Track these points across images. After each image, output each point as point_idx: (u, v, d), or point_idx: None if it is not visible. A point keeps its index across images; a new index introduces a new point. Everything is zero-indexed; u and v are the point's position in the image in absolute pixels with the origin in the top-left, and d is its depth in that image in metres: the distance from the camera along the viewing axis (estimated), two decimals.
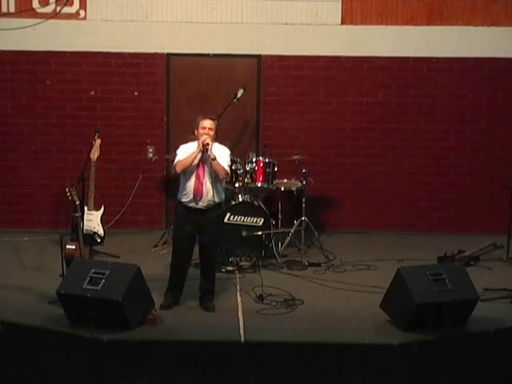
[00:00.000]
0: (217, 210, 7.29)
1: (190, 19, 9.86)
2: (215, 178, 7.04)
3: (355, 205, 10.17)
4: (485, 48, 9.95)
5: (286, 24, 9.90)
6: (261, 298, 7.38)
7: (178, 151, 7.23)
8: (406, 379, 6.16)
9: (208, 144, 6.96)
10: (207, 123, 7.05)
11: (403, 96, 10.07)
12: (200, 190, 7.03)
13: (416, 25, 9.93)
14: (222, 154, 7.16)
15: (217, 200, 7.08)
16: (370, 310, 7.07)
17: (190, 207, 7.07)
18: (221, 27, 9.87)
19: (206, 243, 7.19)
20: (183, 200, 7.11)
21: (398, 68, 10.02)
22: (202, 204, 7.06)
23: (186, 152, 7.11)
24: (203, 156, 7.03)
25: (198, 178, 7.04)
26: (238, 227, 8.67)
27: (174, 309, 7.11)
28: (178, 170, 7.05)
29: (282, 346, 6.34)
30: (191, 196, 7.05)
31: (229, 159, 7.25)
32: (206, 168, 7.05)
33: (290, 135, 10.02)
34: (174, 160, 7.26)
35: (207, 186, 7.04)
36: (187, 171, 7.06)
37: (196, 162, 7.04)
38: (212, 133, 7.06)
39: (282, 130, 10.05)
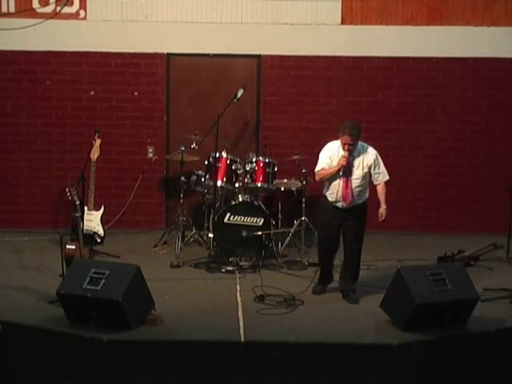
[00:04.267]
0: (363, 206, 7.61)
1: (190, 19, 9.86)
2: (361, 182, 7.47)
3: None
4: (485, 48, 9.95)
5: (285, 24, 9.89)
6: (261, 298, 7.38)
7: (321, 154, 7.55)
8: (406, 379, 6.15)
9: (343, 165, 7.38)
10: (347, 139, 7.32)
11: (403, 96, 10.06)
12: (347, 196, 7.45)
13: (416, 25, 9.93)
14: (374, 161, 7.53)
15: (359, 202, 7.53)
16: (370, 310, 7.07)
17: (337, 206, 7.50)
18: (221, 27, 9.87)
19: (352, 235, 7.57)
20: (330, 199, 7.53)
21: (398, 68, 10.01)
22: (348, 206, 7.48)
23: (327, 159, 7.47)
24: (345, 169, 7.40)
25: (344, 185, 7.43)
26: (238, 227, 8.67)
27: (173, 309, 7.10)
28: (318, 179, 7.61)
29: (281, 345, 6.34)
30: (337, 198, 7.46)
31: (380, 161, 7.57)
32: (350, 177, 7.44)
33: (290, 135, 10.01)
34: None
35: (353, 191, 7.45)
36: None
37: (340, 173, 7.44)
38: (351, 147, 7.35)
39: (282, 130, 10.05)
